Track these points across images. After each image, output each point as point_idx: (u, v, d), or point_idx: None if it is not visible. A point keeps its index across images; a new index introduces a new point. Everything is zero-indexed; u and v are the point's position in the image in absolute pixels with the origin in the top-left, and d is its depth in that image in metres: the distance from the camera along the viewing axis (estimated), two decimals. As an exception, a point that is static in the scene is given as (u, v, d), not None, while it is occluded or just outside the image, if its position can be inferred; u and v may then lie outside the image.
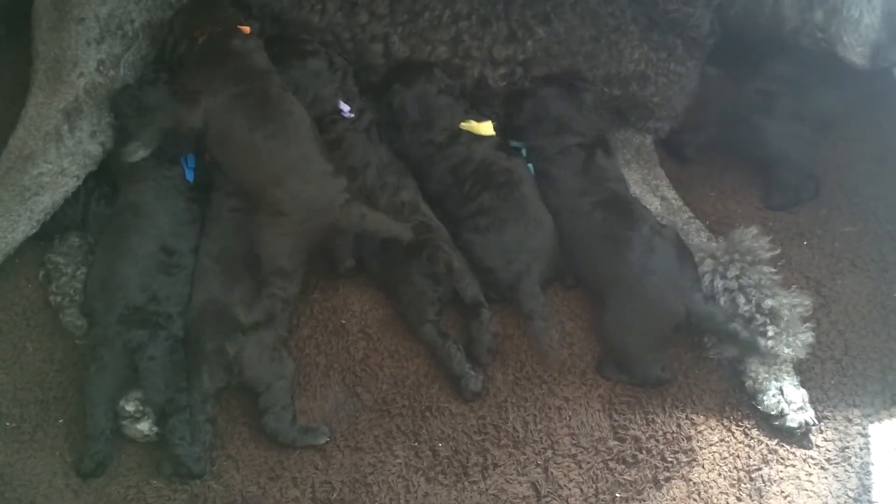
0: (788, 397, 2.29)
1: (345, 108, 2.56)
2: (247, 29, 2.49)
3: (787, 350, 2.32)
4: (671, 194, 2.66)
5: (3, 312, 2.40)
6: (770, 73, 2.75)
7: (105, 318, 2.24)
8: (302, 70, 2.54)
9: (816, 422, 2.31)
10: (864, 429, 2.33)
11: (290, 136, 2.33)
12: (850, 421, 2.34)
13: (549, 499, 2.20)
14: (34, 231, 2.39)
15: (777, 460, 2.28)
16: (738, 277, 2.38)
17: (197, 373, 2.23)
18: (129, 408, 2.20)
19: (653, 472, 2.24)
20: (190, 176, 2.47)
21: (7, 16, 2.82)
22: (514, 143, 2.65)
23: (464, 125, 2.58)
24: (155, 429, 2.21)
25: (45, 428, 2.24)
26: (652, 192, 2.64)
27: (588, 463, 2.25)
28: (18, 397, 2.28)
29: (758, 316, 2.33)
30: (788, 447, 2.30)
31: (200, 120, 2.34)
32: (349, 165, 2.49)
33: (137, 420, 2.20)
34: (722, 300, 2.38)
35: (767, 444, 2.30)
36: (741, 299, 2.36)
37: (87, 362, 2.23)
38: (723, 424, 2.32)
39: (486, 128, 2.58)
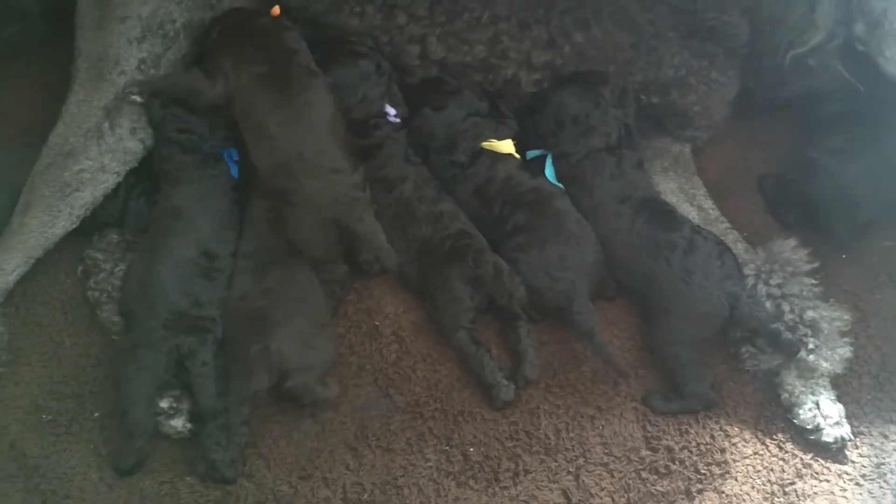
0: (825, 412, 2.27)
1: (391, 111, 2.57)
2: (276, 10, 2.49)
3: (824, 364, 2.30)
4: (708, 204, 2.64)
5: (42, 307, 2.42)
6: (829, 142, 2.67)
7: (146, 322, 2.23)
8: (353, 69, 2.55)
9: (852, 437, 2.29)
10: (900, 445, 2.30)
11: (304, 126, 2.32)
12: (886, 437, 2.32)
13: (579, 507, 2.20)
14: (74, 226, 2.41)
15: (811, 475, 2.26)
16: (780, 286, 2.36)
17: (235, 374, 2.23)
18: (164, 404, 2.21)
19: (685, 483, 2.23)
20: (234, 171, 2.48)
21: (51, 14, 2.86)
22: (533, 154, 2.64)
23: (485, 144, 2.57)
24: (189, 425, 2.21)
25: (81, 422, 2.25)
26: (689, 201, 2.63)
27: (620, 472, 2.24)
28: (55, 391, 2.29)
29: (800, 326, 2.32)
30: (823, 462, 2.28)
31: (222, 95, 2.36)
32: (385, 176, 2.50)
33: (171, 417, 2.21)
34: (767, 305, 2.36)
35: (802, 459, 2.28)
36: (786, 307, 2.34)
37: (124, 362, 2.22)
38: (757, 437, 2.31)
39: (507, 146, 2.57)
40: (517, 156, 2.58)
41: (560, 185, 2.57)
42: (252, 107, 2.34)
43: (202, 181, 2.43)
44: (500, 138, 2.58)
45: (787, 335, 2.29)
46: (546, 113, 2.63)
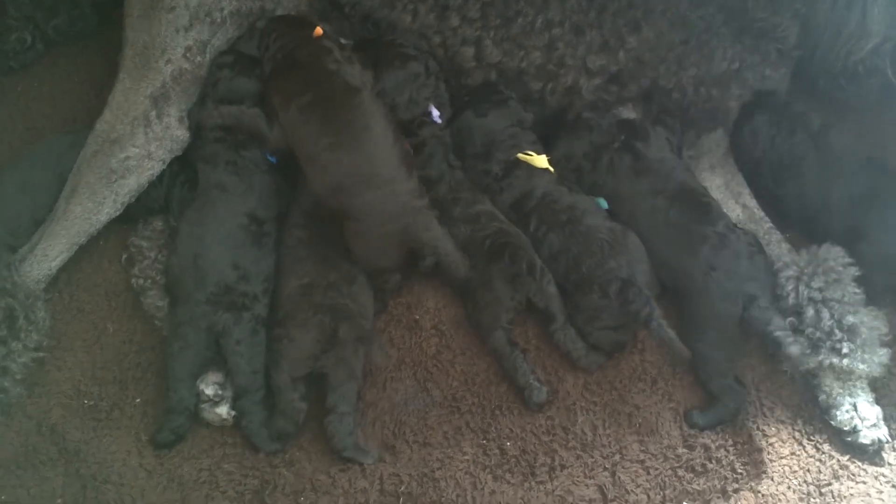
0: (862, 413, 2.27)
1: (435, 112, 2.58)
2: (319, 31, 2.48)
3: (861, 366, 2.29)
4: (752, 203, 2.63)
5: (86, 293, 2.44)
6: None
7: (195, 296, 2.26)
8: (402, 72, 2.56)
9: (889, 439, 2.29)
10: (938, 449, 2.30)
11: (355, 146, 2.31)
12: (923, 440, 2.31)
13: (615, 503, 2.20)
14: (118, 213, 2.43)
15: (848, 476, 2.26)
16: (821, 290, 2.35)
17: (288, 356, 2.24)
18: (209, 391, 2.23)
19: (721, 482, 2.23)
20: (272, 158, 2.49)
21: (100, 3, 2.88)
22: (601, 202, 2.60)
23: (521, 156, 2.57)
24: (233, 413, 2.24)
25: (122, 407, 2.28)
26: (734, 198, 2.63)
27: (656, 469, 2.25)
28: (97, 376, 2.32)
29: (837, 331, 2.31)
30: (860, 464, 2.28)
31: (280, 138, 2.39)
32: (426, 176, 2.49)
33: (216, 404, 2.23)
34: (810, 310, 2.35)
35: (839, 460, 2.28)
36: (825, 312, 2.33)
37: (170, 340, 2.26)
38: (794, 438, 2.31)
39: (542, 161, 2.56)
40: (552, 170, 2.57)
41: (604, 203, 2.56)
42: (302, 136, 2.35)
43: (237, 161, 2.44)
44: (538, 152, 2.58)
45: (794, 349, 2.27)
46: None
